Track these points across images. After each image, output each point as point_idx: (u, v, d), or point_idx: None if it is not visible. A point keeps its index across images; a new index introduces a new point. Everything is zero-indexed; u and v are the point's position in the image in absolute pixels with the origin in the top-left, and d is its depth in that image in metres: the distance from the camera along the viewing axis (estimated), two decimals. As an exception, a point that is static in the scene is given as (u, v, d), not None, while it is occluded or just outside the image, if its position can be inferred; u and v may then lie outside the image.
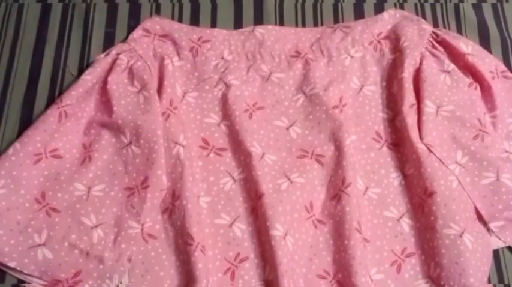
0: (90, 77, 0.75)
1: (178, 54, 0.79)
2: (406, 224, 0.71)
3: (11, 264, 0.66)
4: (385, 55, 0.79)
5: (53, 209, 0.68)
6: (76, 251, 0.67)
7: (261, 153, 0.72)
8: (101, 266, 0.66)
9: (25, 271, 0.66)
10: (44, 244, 0.67)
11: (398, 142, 0.74)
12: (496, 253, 0.70)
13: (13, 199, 0.68)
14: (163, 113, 0.73)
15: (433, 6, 0.85)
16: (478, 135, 0.73)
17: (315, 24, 0.83)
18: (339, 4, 0.85)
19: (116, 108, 0.73)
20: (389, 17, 0.82)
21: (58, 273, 0.66)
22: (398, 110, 0.75)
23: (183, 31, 0.80)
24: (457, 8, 0.85)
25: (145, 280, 0.67)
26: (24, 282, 0.67)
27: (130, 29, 0.81)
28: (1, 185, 0.68)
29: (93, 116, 0.74)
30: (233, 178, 0.72)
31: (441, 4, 0.85)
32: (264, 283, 0.67)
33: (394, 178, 0.73)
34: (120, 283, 0.66)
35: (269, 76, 0.78)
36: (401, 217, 0.71)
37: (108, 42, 0.81)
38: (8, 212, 0.67)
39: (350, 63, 0.79)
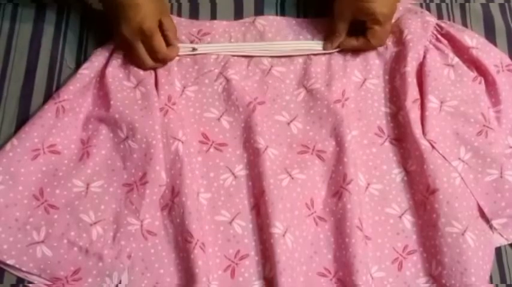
0: (87, 71, 0.74)
1: (178, 48, 0.78)
2: (407, 221, 0.70)
3: (10, 262, 0.65)
4: (388, 48, 0.78)
5: (52, 206, 0.68)
6: (75, 249, 0.66)
7: (263, 148, 0.71)
8: (100, 264, 0.66)
9: (24, 269, 0.66)
10: (42, 241, 0.66)
11: (401, 137, 0.74)
12: (498, 251, 0.69)
13: (11, 196, 0.67)
14: (161, 109, 0.72)
15: (438, 6, 0.83)
16: (482, 131, 0.72)
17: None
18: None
19: (113, 102, 0.72)
20: (393, 10, 0.80)
21: (57, 271, 0.66)
22: (401, 105, 0.74)
23: (182, 25, 0.78)
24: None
25: (145, 277, 0.67)
26: (23, 280, 0.67)
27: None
28: (-1, 182, 0.67)
29: (91, 110, 0.73)
30: (233, 174, 0.72)
31: (447, 4, 0.83)
32: (265, 281, 0.67)
33: (396, 174, 0.72)
34: (120, 282, 0.66)
35: (270, 70, 0.77)
36: (403, 214, 0.70)
37: (106, 36, 0.79)
38: (6, 209, 0.67)
39: (352, 56, 0.78)
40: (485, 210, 0.69)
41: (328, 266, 0.68)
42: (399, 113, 0.74)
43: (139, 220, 0.68)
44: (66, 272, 0.66)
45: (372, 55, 0.78)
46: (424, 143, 0.70)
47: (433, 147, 0.70)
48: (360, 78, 0.77)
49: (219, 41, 0.78)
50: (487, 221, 0.69)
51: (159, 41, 0.72)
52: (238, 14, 0.82)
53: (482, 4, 0.83)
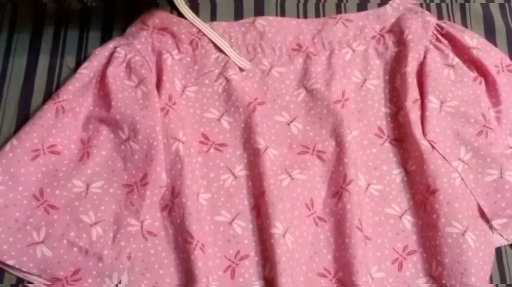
0: (87, 71, 0.74)
1: (178, 48, 0.77)
2: (407, 221, 0.70)
3: (10, 262, 0.65)
4: (388, 48, 0.78)
5: (52, 206, 0.68)
6: (75, 249, 0.66)
7: (263, 148, 0.71)
8: (100, 264, 0.66)
9: (24, 269, 0.66)
10: (42, 242, 0.66)
11: (401, 138, 0.73)
12: (498, 251, 0.69)
13: (11, 196, 0.67)
14: (162, 109, 0.72)
15: (438, 6, 0.83)
16: (482, 131, 0.72)
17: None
18: (342, 4, 0.83)
19: (114, 103, 0.72)
20: (393, 10, 0.80)
21: (57, 271, 0.66)
22: (401, 105, 0.74)
23: (182, 24, 0.78)
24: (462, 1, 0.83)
25: (144, 278, 0.67)
26: (23, 280, 0.67)
27: (129, 22, 0.79)
28: (-1, 182, 0.67)
29: (91, 111, 0.73)
30: (233, 174, 0.72)
31: (447, 4, 0.83)
32: (265, 281, 0.67)
33: (396, 175, 0.72)
34: (120, 282, 0.66)
35: (270, 70, 0.77)
36: (403, 214, 0.70)
37: (106, 36, 0.79)
38: (6, 210, 0.67)
39: (352, 57, 0.78)
40: (486, 210, 0.69)
41: (328, 266, 0.68)
42: (399, 114, 0.74)
43: (140, 220, 0.68)
44: (66, 272, 0.66)
45: (372, 55, 0.78)
46: (424, 144, 0.70)
47: (433, 147, 0.70)
48: (360, 79, 0.77)
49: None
50: (487, 221, 0.69)
51: None
52: (238, 14, 0.82)
53: (482, 4, 0.83)
